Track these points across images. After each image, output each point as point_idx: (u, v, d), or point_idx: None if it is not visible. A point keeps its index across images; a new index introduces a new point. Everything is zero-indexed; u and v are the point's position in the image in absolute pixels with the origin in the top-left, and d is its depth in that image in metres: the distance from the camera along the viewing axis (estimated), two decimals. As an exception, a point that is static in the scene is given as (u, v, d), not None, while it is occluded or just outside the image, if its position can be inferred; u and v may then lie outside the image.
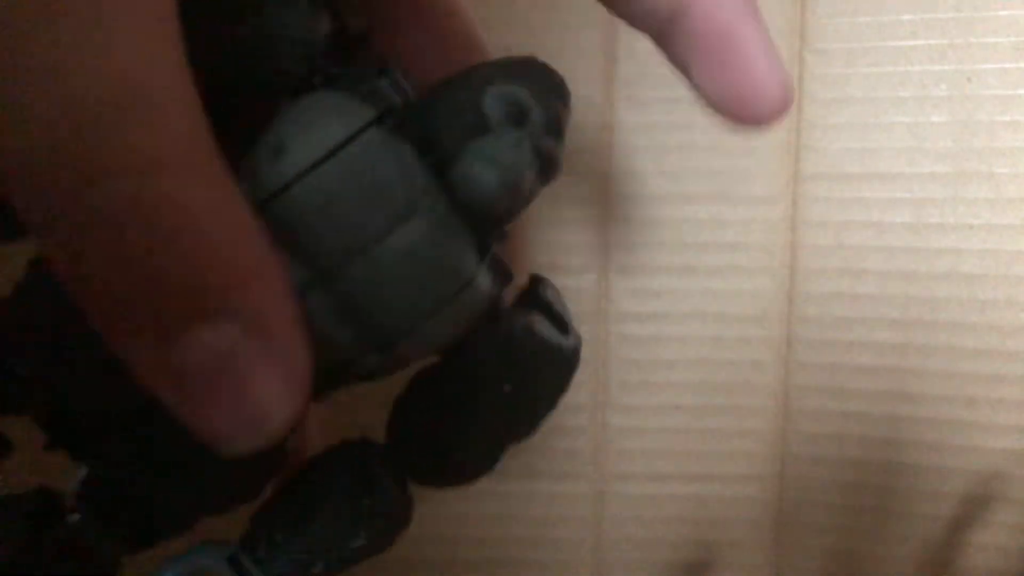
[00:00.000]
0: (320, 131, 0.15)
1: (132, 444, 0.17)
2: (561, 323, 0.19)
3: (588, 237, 0.36)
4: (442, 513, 0.37)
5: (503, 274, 0.18)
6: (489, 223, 0.17)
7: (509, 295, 0.20)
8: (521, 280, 0.20)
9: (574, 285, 0.36)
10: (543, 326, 0.19)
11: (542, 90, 0.17)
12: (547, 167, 0.17)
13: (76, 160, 0.11)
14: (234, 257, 0.12)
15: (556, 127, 0.17)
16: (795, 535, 0.37)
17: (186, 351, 0.12)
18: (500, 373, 0.18)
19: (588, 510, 0.38)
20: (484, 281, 0.17)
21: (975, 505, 0.36)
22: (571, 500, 0.38)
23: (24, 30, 0.11)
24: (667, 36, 0.18)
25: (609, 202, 0.36)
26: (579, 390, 0.37)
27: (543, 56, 0.29)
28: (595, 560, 0.38)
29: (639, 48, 0.35)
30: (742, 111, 0.18)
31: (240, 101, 0.15)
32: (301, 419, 0.13)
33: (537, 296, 0.19)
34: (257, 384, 0.12)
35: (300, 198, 0.15)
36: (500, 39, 0.35)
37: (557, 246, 0.36)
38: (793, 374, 0.36)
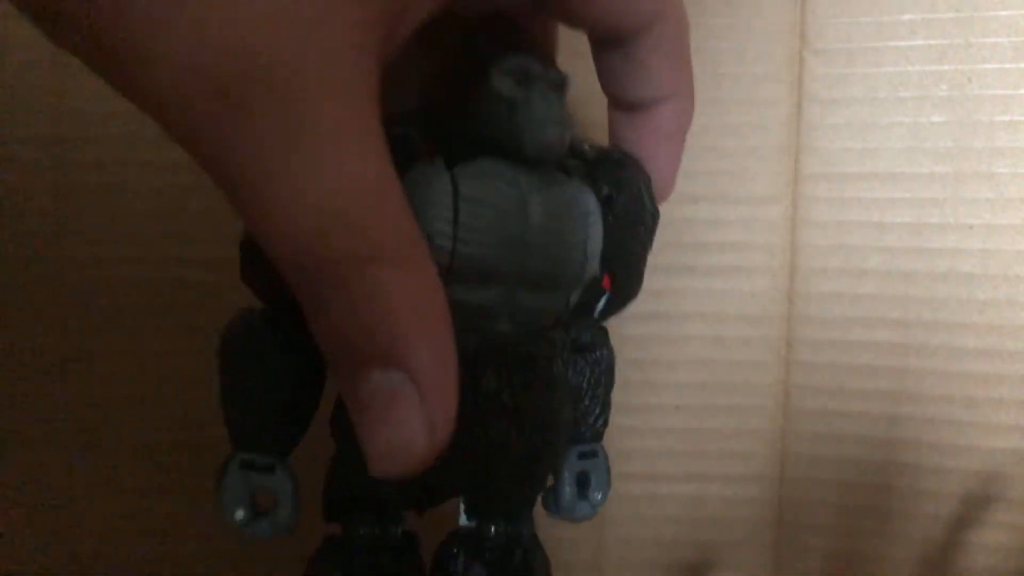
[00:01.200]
0: (431, 203, 0.19)
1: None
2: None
3: (588, 237, 0.36)
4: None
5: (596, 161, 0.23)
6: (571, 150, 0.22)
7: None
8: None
9: (574, 285, 0.36)
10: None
11: (515, 41, 0.21)
12: (563, 83, 0.20)
13: (310, 257, 0.16)
14: (413, 329, 0.17)
15: (542, 55, 0.21)
16: (795, 535, 0.37)
17: (364, 383, 0.17)
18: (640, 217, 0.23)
19: (588, 510, 0.38)
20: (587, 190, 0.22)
21: (975, 505, 0.36)
22: (571, 500, 0.38)
23: (260, 177, 0.16)
24: (628, 113, 0.24)
25: (609, 202, 0.36)
26: (579, 390, 0.37)
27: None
28: (595, 560, 0.38)
29: (639, 48, 0.35)
30: None
31: None
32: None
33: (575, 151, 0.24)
34: (405, 422, 0.17)
35: (464, 251, 0.19)
36: (500, 39, 0.35)
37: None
38: (793, 374, 0.36)
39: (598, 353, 0.24)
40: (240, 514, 0.21)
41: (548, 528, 0.38)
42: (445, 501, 0.23)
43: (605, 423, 0.25)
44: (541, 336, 0.22)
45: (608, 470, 0.25)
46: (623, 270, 0.23)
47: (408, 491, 0.22)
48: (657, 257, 0.37)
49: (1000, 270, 0.34)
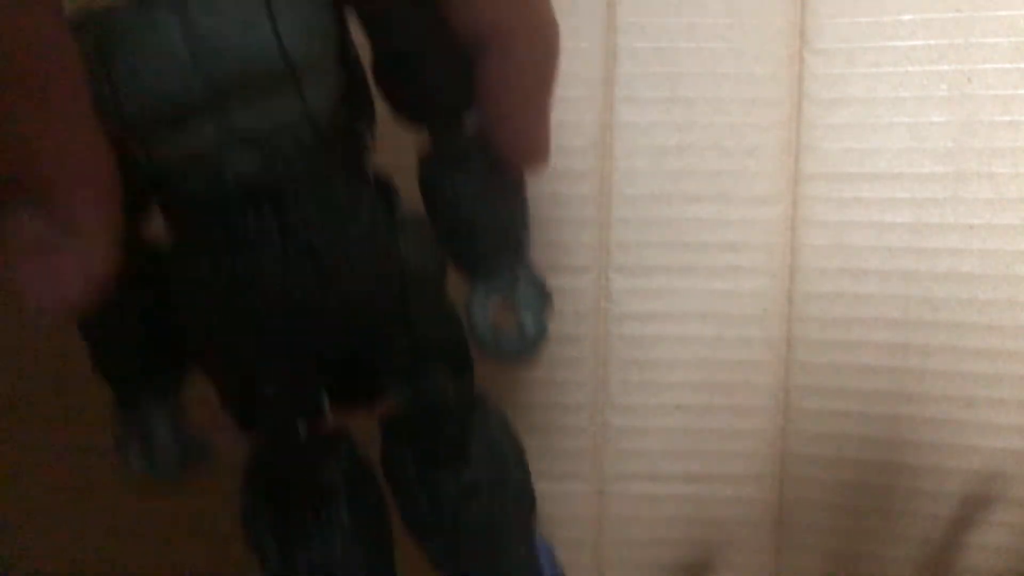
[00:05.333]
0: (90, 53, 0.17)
1: None
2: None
3: (588, 237, 0.36)
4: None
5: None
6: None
7: None
8: None
9: (574, 285, 0.36)
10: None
11: None
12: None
13: None
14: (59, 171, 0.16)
15: None
16: (795, 535, 0.37)
17: (10, 219, 0.17)
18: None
19: (588, 510, 0.38)
20: None
21: (975, 505, 0.36)
22: (571, 500, 0.38)
23: None
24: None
25: (609, 202, 0.36)
26: (579, 390, 0.37)
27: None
28: (595, 560, 0.38)
29: (639, 48, 0.35)
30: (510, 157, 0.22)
31: None
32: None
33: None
34: (56, 265, 0.17)
35: (128, 105, 0.18)
36: (500, 39, 0.35)
37: (557, 246, 0.36)
38: (793, 374, 0.36)
39: (472, 164, 0.20)
40: (138, 462, 0.21)
41: (547, 528, 0.38)
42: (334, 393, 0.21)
43: (520, 247, 0.21)
44: (311, 162, 0.19)
45: (539, 288, 0.21)
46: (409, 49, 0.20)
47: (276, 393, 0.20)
48: (657, 257, 0.37)
49: (1000, 270, 0.34)
